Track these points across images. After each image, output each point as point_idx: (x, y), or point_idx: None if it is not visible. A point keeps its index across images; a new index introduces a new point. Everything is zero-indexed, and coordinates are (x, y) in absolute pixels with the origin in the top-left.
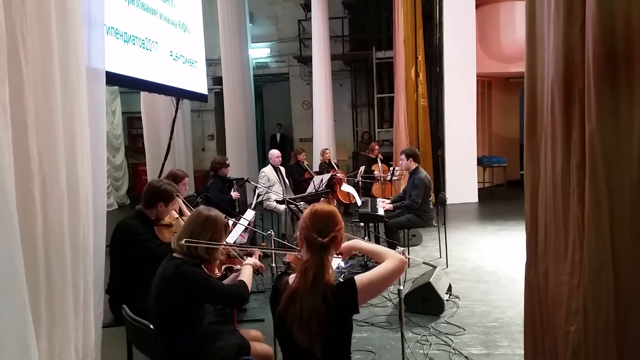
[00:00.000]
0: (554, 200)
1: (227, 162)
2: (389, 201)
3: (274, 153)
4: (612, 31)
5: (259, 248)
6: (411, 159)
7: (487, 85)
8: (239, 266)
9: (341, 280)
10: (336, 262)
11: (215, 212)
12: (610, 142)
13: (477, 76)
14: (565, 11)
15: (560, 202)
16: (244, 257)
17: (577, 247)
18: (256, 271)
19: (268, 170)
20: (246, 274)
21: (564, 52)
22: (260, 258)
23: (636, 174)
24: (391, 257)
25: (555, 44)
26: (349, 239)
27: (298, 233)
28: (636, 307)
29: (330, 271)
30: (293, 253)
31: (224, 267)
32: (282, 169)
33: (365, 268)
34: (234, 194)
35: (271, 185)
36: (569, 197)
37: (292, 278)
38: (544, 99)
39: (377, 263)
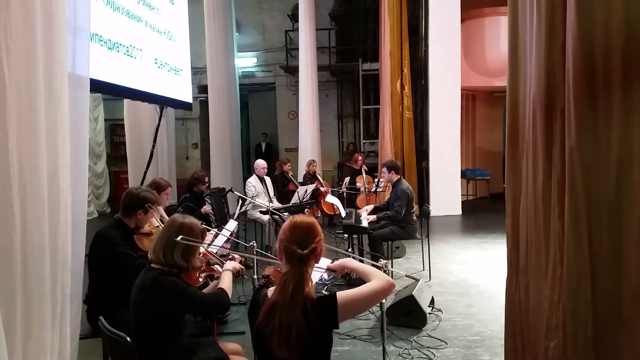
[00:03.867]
0: (535, 215)
1: (205, 179)
2: (372, 207)
3: (260, 164)
4: (591, 49)
5: (239, 253)
6: (392, 171)
7: (471, 98)
8: (219, 274)
9: (324, 292)
10: (318, 274)
11: (190, 219)
12: (589, 158)
13: (461, 89)
14: (546, 29)
15: (542, 217)
16: (224, 263)
17: (558, 262)
18: (236, 274)
19: (253, 180)
20: (226, 281)
21: (546, 68)
22: (242, 264)
23: (614, 190)
24: (379, 278)
25: (537, 60)
26: (335, 253)
27: (277, 245)
28: (613, 323)
29: (310, 284)
30: (273, 263)
31: (204, 275)
32: (268, 179)
33: (348, 280)
34: (205, 208)
35: (256, 195)
36: (550, 213)
37: (271, 291)
38: (525, 115)
39: (361, 279)
